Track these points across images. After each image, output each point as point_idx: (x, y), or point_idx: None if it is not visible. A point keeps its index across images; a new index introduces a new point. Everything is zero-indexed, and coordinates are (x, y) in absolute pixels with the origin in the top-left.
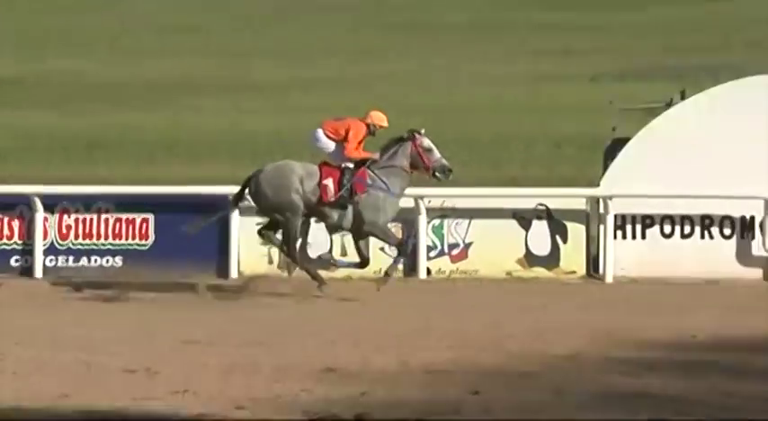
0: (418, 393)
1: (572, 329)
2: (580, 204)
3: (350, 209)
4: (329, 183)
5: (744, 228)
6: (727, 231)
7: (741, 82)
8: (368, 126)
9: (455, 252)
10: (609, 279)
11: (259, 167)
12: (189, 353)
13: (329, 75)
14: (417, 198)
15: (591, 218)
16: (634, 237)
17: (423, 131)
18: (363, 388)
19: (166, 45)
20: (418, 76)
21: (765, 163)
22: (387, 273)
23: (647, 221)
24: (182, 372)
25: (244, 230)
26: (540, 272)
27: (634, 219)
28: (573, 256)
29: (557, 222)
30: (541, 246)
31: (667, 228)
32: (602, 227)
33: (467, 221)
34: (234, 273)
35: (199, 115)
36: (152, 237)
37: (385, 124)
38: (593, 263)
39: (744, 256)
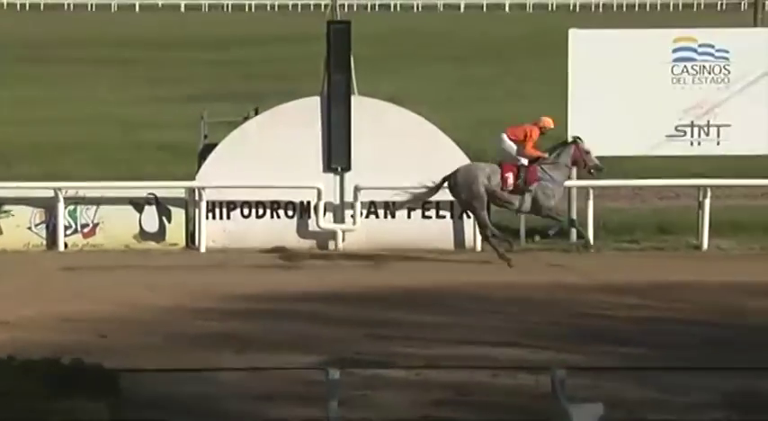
0: (56, 337)
1: (176, 287)
2: (180, 193)
3: (527, 195)
4: (509, 176)
5: (303, 210)
6: (290, 212)
7: (296, 102)
8: (540, 129)
9: (86, 230)
10: (203, 249)
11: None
12: None
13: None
14: (57, 189)
15: (189, 203)
16: (222, 217)
17: (582, 138)
18: (14, 334)
19: None
20: (55, 98)
21: (316, 161)
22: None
23: (231, 206)
24: None
25: None
26: (150, 245)
27: (221, 204)
28: (175, 232)
29: (163, 207)
30: (152, 224)
31: (246, 211)
32: (197, 210)
33: (95, 206)
34: None
35: None
36: None
37: (552, 126)
38: (190, 237)
39: (303, 231)
